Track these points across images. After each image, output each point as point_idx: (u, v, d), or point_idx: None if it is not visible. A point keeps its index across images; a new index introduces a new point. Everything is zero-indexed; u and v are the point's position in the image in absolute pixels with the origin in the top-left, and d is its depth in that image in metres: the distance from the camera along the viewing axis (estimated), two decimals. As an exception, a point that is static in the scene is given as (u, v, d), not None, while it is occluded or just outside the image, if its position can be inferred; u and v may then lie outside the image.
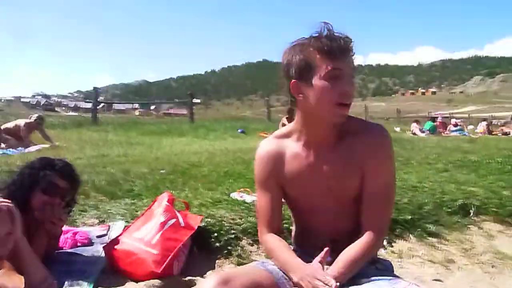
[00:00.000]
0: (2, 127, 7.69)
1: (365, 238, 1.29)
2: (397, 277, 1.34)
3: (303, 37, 1.25)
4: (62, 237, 2.10)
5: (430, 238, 2.30)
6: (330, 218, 1.35)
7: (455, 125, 14.98)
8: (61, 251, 2.07)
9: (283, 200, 1.44)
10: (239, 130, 11.48)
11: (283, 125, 10.17)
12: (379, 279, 1.26)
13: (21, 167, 1.95)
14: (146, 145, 7.76)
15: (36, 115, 8.46)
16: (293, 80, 1.25)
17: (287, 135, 1.39)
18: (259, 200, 1.44)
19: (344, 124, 1.29)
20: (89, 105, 20.11)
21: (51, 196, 1.82)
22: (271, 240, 1.38)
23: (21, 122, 7.88)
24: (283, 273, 1.32)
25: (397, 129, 15.64)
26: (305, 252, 1.39)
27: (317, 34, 1.21)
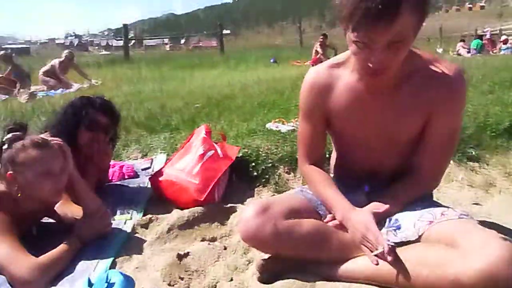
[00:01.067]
0: (41, 70, 7.91)
1: (419, 180, 1.28)
2: (435, 202, 1.35)
3: None
4: (110, 171, 2.24)
5: (470, 163, 2.25)
6: (375, 156, 1.33)
7: (505, 42, 13.74)
8: (110, 183, 2.22)
9: (326, 131, 1.41)
10: (271, 60, 11.22)
11: (316, 52, 9.83)
12: (416, 204, 1.28)
13: (64, 106, 2.03)
14: (178, 79, 7.82)
15: (66, 51, 8.59)
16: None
17: (341, 64, 1.31)
18: (301, 129, 1.42)
19: (410, 62, 1.19)
20: (120, 42, 20.13)
21: (95, 132, 1.92)
22: (312, 172, 1.38)
23: (55, 61, 8.05)
24: None
25: (440, 50, 14.63)
26: (343, 183, 1.40)
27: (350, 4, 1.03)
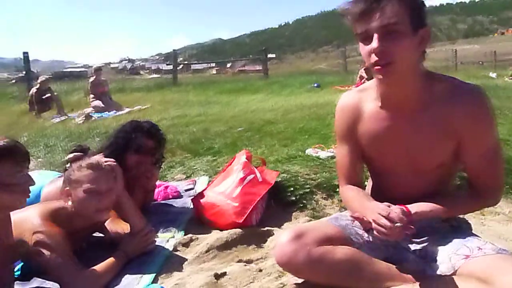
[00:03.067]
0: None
1: (477, 195, 1.28)
2: (473, 234, 1.32)
3: None
4: (156, 191, 2.38)
5: (518, 196, 2.17)
6: (408, 181, 1.33)
7: None
8: (155, 202, 2.35)
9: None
10: (314, 84, 11.27)
11: (361, 77, 9.76)
12: (452, 237, 1.27)
13: (116, 130, 2.20)
14: (223, 104, 8.08)
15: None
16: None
17: (367, 90, 1.36)
18: (338, 153, 1.46)
19: (430, 87, 1.22)
20: (170, 67, 21.15)
21: (142, 155, 2.05)
22: (349, 190, 1.40)
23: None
24: (356, 228, 1.38)
25: (493, 74, 13.91)
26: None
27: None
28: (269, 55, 17.73)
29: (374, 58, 1.13)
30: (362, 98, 1.36)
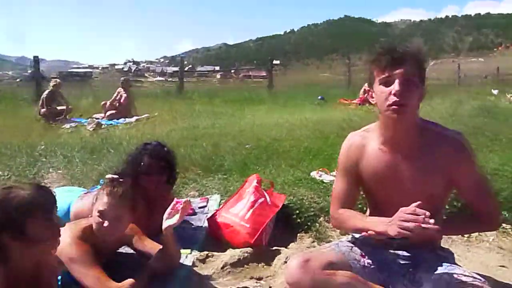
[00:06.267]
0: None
1: (470, 219, 1.54)
2: (455, 264, 1.55)
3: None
4: (172, 208, 2.59)
5: (503, 225, 2.37)
6: None
7: None
8: (172, 219, 2.56)
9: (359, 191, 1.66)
10: (319, 97, 11.52)
11: (365, 91, 10.02)
12: (438, 265, 1.49)
13: (127, 155, 2.39)
14: (229, 115, 8.31)
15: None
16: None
17: (371, 132, 1.60)
18: (336, 183, 1.69)
19: (422, 131, 1.49)
20: (174, 69, 21.46)
21: (153, 177, 2.23)
22: (345, 211, 1.60)
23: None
24: (354, 254, 1.60)
25: (495, 91, 13.82)
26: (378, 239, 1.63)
27: (376, 52, 1.46)
28: (274, 61, 17.90)
29: (393, 98, 1.39)
30: (367, 138, 1.60)
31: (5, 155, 4.08)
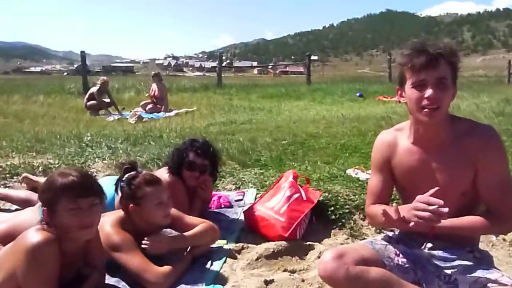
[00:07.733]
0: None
1: (486, 217, 1.47)
2: (493, 267, 1.52)
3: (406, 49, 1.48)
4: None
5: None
6: None
7: None
8: (209, 211, 2.67)
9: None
10: (357, 94, 11.30)
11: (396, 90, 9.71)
12: (475, 268, 1.47)
13: (174, 148, 2.54)
14: (266, 110, 8.37)
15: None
16: (397, 87, 1.53)
17: (402, 129, 1.62)
18: (371, 180, 1.71)
19: (452, 126, 1.48)
20: (213, 64, 21.84)
21: (195, 171, 2.37)
22: (378, 206, 1.61)
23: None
24: (388, 252, 1.61)
25: None
26: (409, 236, 1.64)
27: (408, 51, 1.44)
28: (312, 57, 17.70)
29: (425, 102, 1.40)
30: (398, 136, 1.62)
31: (55, 145, 4.35)
